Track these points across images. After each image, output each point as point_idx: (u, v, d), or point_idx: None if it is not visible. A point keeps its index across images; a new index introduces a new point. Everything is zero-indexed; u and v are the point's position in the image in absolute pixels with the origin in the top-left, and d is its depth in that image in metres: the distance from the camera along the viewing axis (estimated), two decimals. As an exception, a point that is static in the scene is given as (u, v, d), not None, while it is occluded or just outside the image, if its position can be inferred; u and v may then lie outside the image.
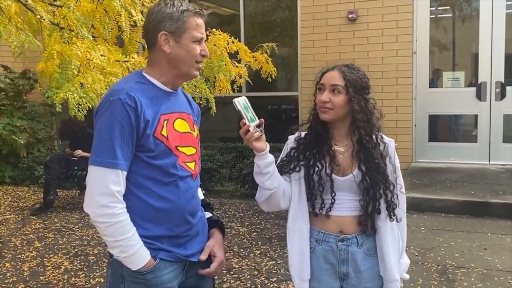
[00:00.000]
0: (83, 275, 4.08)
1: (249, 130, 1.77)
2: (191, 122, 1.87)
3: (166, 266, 1.75)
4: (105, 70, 3.21)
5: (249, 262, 4.19)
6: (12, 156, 7.86)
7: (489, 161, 6.58)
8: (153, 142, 1.69)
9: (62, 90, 3.08)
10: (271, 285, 3.74)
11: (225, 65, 4.43)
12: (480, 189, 5.51)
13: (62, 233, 5.27)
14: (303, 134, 2.01)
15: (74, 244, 4.86)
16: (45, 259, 4.48)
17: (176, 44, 1.72)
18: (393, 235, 1.94)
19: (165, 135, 1.72)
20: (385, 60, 6.66)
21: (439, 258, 4.08)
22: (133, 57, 3.47)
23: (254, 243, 4.72)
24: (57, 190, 6.41)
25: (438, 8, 7.02)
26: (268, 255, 4.37)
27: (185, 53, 1.74)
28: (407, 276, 2.04)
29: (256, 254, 4.42)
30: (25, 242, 4.99)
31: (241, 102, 1.79)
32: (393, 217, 1.92)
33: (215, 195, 6.56)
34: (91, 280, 3.96)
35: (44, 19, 3.24)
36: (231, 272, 3.97)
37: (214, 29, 4.36)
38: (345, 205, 1.92)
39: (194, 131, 1.87)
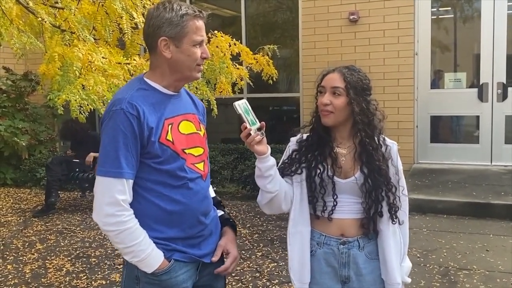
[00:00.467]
0: (85, 277, 4.08)
1: (250, 134, 1.77)
2: (197, 122, 1.87)
3: (181, 267, 1.77)
4: (106, 72, 3.21)
5: (251, 264, 4.19)
6: (13, 158, 7.87)
7: (491, 162, 6.57)
8: (159, 148, 1.70)
9: (64, 92, 3.09)
10: (273, 287, 3.74)
11: (227, 67, 4.43)
12: (482, 190, 5.50)
13: (64, 235, 5.27)
14: (305, 136, 2.00)
15: (76, 246, 4.86)
16: (46, 261, 4.48)
17: (177, 49, 1.72)
18: (395, 238, 1.93)
19: (171, 139, 1.72)
20: (387, 61, 6.65)
21: (441, 260, 4.07)
22: (134, 59, 3.48)
23: (255, 245, 4.72)
24: (59, 192, 6.41)
25: (440, 9, 7.01)
26: (269, 257, 4.36)
27: (186, 57, 1.73)
28: (409, 280, 2.03)
29: (258, 256, 4.41)
30: (27, 244, 4.99)
31: (242, 106, 1.78)
32: (395, 219, 1.91)
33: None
34: (92, 282, 3.95)
35: (45, 22, 3.25)
36: (233, 274, 3.97)
37: (216, 31, 4.36)
38: (347, 208, 1.91)
39: (200, 131, 1.87)
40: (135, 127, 1.65)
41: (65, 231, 5.39)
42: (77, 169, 6.40)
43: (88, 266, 4.32)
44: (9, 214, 6.17)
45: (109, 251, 4.66)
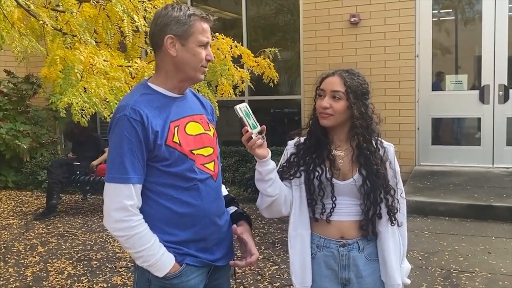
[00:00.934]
0: (86, 280, 4.07)
1: (251, 137, 1.77)
2: (205, 122, 1.87)
3: (193, 271, 1.78)
4: (108, 75, 3.21)
5: (252, 267, 4.18)
6: (15, 160, 7.88)
7: (493, 164, 6.56)
8: (167, 151, 1.71)
9: (65, 95, 3.09)
10: (275, 290, 3.74)
11: (228, 69, 4.43)
12: (483, 192, 5.49)
13: (65, 238, 5.27)
14: (302, 139, 2.01)
15: (77, 249, 4.86)
16: (48, 264, 4.47)
17: (182, 48, 1.73)
18: (394, 239, 1.93)
19: (178, 141, 1.73)
20: (388, 64, 6.65)
21: (443, 262, 4.06)
22: (135, 62, 3.48)
23: (257, 247, 4.66)
24: (60, 195, 6.41)
25: (441, 10, 7.01)
26: (271, 260, 4.36)
27: (191, 56, 1.74)
28: (409, 281, 2.03)
29: (259, 259, 4.40)
30: (28, 247, 4.99)
31: (243, 109, 1.79)
32: (394, 221, 1.91)
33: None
34: (94, 285, 3.95)
35: (47, 25, 3.26)
36: (234, 277, 3.95)
37: (217, 33, 4.37)
38: (346, 210, 1.92)
39: (209, 131, 1.87)
40: (139, 132, 1.66)
41: (66, 234, 5.39)
42: (78, 172, 6.40)
43: (90, 269, 4.32)
44: (10, 217, 6.17)
45: (110, 254, 4.66)
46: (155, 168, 1.72)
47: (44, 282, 4.05)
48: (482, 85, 6.58)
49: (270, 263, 4.27)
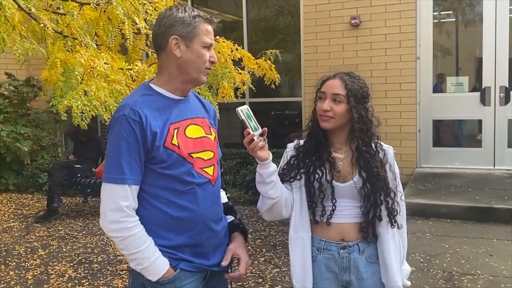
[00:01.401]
0: (87, 283, 4.07)
1: (253, 140, 1.76)
2: (207, 126, 1.86)
3: (187, 277, 1.75)
4: (108, 78, 3.21)
5: (254, 270, 4.17)
6: (16, 163, 7.88)
7: (494, 166, 6.55)
8: (165, 153, 1.69)
9: (66, 98, 3.09)
10: (276, 293, 3.73)
11: (229, 72, 4.43)
12: (485, 194, 5.48)
13: (66, 240, 5.26)
14: (301, 142, 2.01)
15: (78, 252, 4.85)
16: (49, 267, 4.47)
17: (187, 49, 1.72)
18: (395, 241, 1.93)
19: (176, 144, 1.72)
20: (389, 66, 6.65)
21: (444, 265, 4.05)
22: (136, 65, 3.47)
23: (258, 250, 4.70)
24: (61, 197, 6.41)
25: (441, 12, 7.01)
26: (272, 263, 4.35)
27: (195, 58, 1.74)
28: (409, 283, 2.03)
29: (261, 261, 4.40)
30: (29, 250, 4.98)
31: (244, 111, 1.78)
32: (394, 223, 1.91)
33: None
34: (95, 288, 3.95)
35: (47, 28, 3.26)
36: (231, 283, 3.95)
37: (217, 37, 4.36)
38: (346, 212, 1.92)
39: (211, 135, 1.86)
40: (137, 132, 1.65)
41: (67, 237, 5.38)
42: (79, 175, 6.40)
43: (90, 272, 4.31)
44: (11, 220, 6.17)
45: (111, 257, 4.66)
46: (152, 170, 1.71)
47: (45, 285, 4.05)
48: (483, 87, 6.58)
49: (271, 266, 4.26)
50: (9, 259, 4.72)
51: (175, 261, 1.73)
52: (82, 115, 3.10)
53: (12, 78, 8.15)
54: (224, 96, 4.61)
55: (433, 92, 6.84)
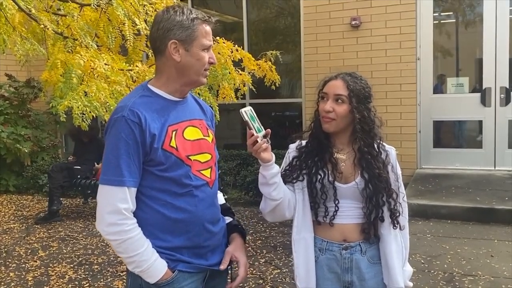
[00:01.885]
0: (87, 284, 4.06)
1: (257, 141, 1.76)
2: (205, 128, 1.85)
3: (185, 278, 1.75)
4: (109, 78, 3.21)
5: (254, 271, 4.17)
6: (16, 164, 7.88)
7: (495, 167, 6.54)
8: (163, 155, 1.68)
9: (66, 98, 3.08)
10: (276, 294, 3.72)
11: (229, 73, 4.42)
12: (486, 195, 5.48)
13: (66, 242, 5.25)
14: (303, 142, 2.00)
15: (78, 253, 4.85)
16: (49, 268, 4.46)
17: (186, 53, 1.71)
18: (397, 242, 1.93)
19: (174, 146, 1.71)
20: (389, 66, 6.65)
21: (445, 266, 4.05)
22: (137, 66, 3.47)
23: (258, 251, 4.70)
24: (61, 199, 6.40)
25: (441, 13, 7.01)
26: (273, 264, 4.34)
27: (194, 61, 1.73)
28: (411, 284, 2.02)
29: (261, 262, 4.39)
30: (29, 251, 4.98)
31: (248, 113, 1.77)
32: (396, 225, 1.91)
33: (219, 203, 6.54)
34: (95, 290, 3.94)
35: (48, 29, 3.26)
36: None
37: (217, 37, 4.36)
38: (348, 213, 1.91)
39: (208, 137, 1.85)
40: (136, 134, 1.64)
41: (67, 238, 5.38)
42: (79, 176, 6.39)
43: (91, 273, 4.30)
44: (11, 221, 6.16)
45: (111, 258, 4.65)
46: (150, 172, 1.69)
47: (45, 287, 4.04)
48: (483, 88, 6.57)
49: (272, 267, 4.25)
50: (10, 260, 4.71)
51: (173, 262, 1.73)
52: (82, 116, 3.10)
53: (12, 79, 8.15)
54: (224, 97, 4.60)
55: (434, 93, 6.83)
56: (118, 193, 1.64)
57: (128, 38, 3.38)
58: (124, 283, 4.01)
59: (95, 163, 6.54)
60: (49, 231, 5.70)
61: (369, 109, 1.89)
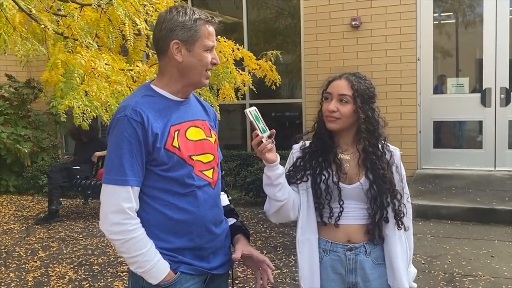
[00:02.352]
0: (88, 285, 4.06)
1: (261, 141, 1.75)
2: (207, 128, 1.85)
3: (187, 280, 1.74)
4: (109, 78, 3.20)
5: (253, 272, 4.15)
6: (16, 165, 7.88)
7: (495, 168, 6.54)
8: (165, 155, 1.68)
9: (66, 98, 3.08)
10: (277, 294, 3.72)
11: (230, 72, 4.42)
12: (486, 195, 5.48)
13: (67, 242, 5.25)
14: (307, 143, 1.99)
15: (79, 254, 4.84)
16: (49, 268, 4.46)
17: (188, 53, 1.71)
18: (401, 243, 1.92)
19: (177, 146, 1.70)
20: (389, 67, 6.64)
21: (446, 266, 4.04)
22: (137, 66, 3.47)
23: (259, 251, 4.68)
24: (61, 199, 6.40)
25: (441, 14, 7.01)
26: (273, 264, 4.32)
27: (197, 62, 1.72)
28: (415, 285, 2.02)
29: (261, 262, 4.38)
30: (29, 251, 4.97)
31: (253, 113, 1.77)
32: (401, 225, 1.90)
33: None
34: (95, 290, 3.94)
35: (48, 29, 3.25)
36: (236, 282, 3.94)
37: (219, 36, 4.36)
38: (353, 214, 1.91)
39: (211, 137, 1.85)
40: (139, 133, 1.64)
41: (67, 239, 5.37)
42: (79, 176, 6.39)
43: (91, 273, 4.30)
44: (11, 222, 6.16)
45: (111, 259, 4.65)
46: (153, 172, 1.69)
47: (45, 287, 4.04)
48: (483, 88, 6.57)
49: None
50: (10, 261, 4.71)
51: (175, 264, 1.72)
52: (83, 116, 3.09)
53: (12, 79, 8.15)
54: (225, 97, 4.60)
55: (434, 93, 6.83)
56: (121, 193, 1.64)
57: (129, 38, 3.38)
58: (125, 284, 4.01)
59: (96, 152, 6.50)
60: (49, 231, 5.69)
61: (373, 109, 1.89)
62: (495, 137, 6.54)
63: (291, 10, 7.64)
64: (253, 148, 1.79)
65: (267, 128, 1.79)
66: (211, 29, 1.74)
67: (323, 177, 1.88)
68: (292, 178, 1.93)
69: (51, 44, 3.55)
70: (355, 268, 1.90)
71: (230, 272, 1.93)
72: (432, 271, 3.94)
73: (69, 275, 4.27)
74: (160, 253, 1.69)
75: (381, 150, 1.90)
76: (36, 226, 5.90)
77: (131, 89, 3.29)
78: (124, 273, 4.24)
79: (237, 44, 4.52)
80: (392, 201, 1.88)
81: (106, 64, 3.20)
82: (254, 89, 5.01)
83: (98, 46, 3.55)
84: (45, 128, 8.26)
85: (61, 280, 4.17)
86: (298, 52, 7.32)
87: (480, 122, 6.67)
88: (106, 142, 1.72)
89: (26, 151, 7.53)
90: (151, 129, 1.65)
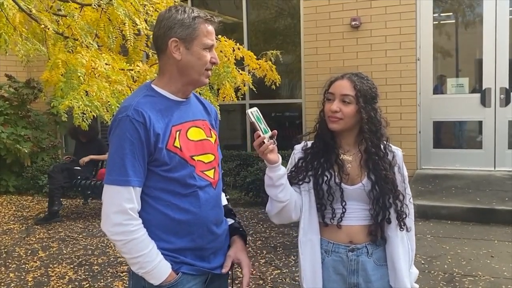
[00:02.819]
0: (87, 285, 4.06)
1: (263, 142, 1.75)
2: (208, 128, 1.85)
3: (189, 280, 1.74)
4: (110, 78, 3.20)
5: (254, 272, 4.16)
6: (16, 165, 7.87)
7: (495, 168, 6.54)
8: (167, 155, 1.67)
9: (67, 98, 3.08)
10: (277, 294, 3.72)
11: (231, 72, 4.42)
12: (486, 195, 5.48)
13: (66, 242, 5.25)
14: (309, 143, 1.99)
15: (78, 254, 4.84)
16: (49, 269, 4.46)
17: (187, 51, 1.70)
18: (403, 244, 1.91)
19: (178, 146, 1.70)
20: (389, 67, 6.65)
21: (445, 266, 4.04)
22: (137, 65, 3.47)
23: (258, 252, 4.69)
24: (62, 200, 6.39)
25: (441, 14, 7.02)
26: (273, 264, 4.33)
27: (195, 60, 1.72)
28: (417, 286, 2.01)
29: (261, 263, 4.39)
30: (29, 252, 4.97)
31: (254, 114, 1.77)
32: (403, 226, 1.89)
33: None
34: (95, 290, 3.94)
35: (48, 29, 3.25)
36: (236, 282, 3.93)
37: (219, 36, 4.36)
38: (355, 215, 1.90)
39: (211, 137, 1.85)
40: (141, 134, 1.63)
41: (67, 239, 5.37)
42: (79, 177, 6.39)
43: (91, 274, 4.30)
44: (11, 222, 6.16)
45: (111, 259, 4.64)
46: (154, 173, 1.69)
47: (45, 287, 4.04)
48: (483, 88, 6.58)
49: (272, 268, 4.25)
50: (9, 261, 4.71)
51: (177, 264, 1.72)
52: (83, 116, 3.09)
53: (12, 80, 8.15)
54: (225, 97, 4.60)
55: (434, 94, 6.84)
56: (123, 193, 1.63)
57: (129, 38, 3.38)
58: (124, 284, 4.01)
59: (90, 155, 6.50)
60: (49, 231, 5.69)
61: (375, 109, 1.88)
62: (495, 137, 6.55)
63: (291, 10, 7.64)
64: (254, 148, 1.78)
65: (268, 128, 1.79)
66: (210, 27, 1.74)
67: (325, 178, 1.88)
68: (294, 179, 1.93)
69: (51, 44, 3.55)
70: (357, 269, 1.89)
71: (230, 272, 1.93)
72: (432, 271, 3.94)
73: (69, 275, 4.27)
74: (162, 253, 1.69)
75: (383, 151, 1.89)
76: (36, 226, 5.90)
77: (132, 89, 3.29)
78: (124, 273, 4.24)
79: (238, 44, 4.52)
80: (394, 202, 1.87)
81: (106, 64, 3.20)
82: (254, 89, 5.01)
83: (98, 46, 3.55)
84: (45, 128, 8.26)
85: (61, 280, 4.17)
86: (298, 52, 7.32)
87: (480, 122, 6.68)
88: (106, 143, 1.72)
89: (26, 151, 7.53)
90: (153, 130, 1.65)
